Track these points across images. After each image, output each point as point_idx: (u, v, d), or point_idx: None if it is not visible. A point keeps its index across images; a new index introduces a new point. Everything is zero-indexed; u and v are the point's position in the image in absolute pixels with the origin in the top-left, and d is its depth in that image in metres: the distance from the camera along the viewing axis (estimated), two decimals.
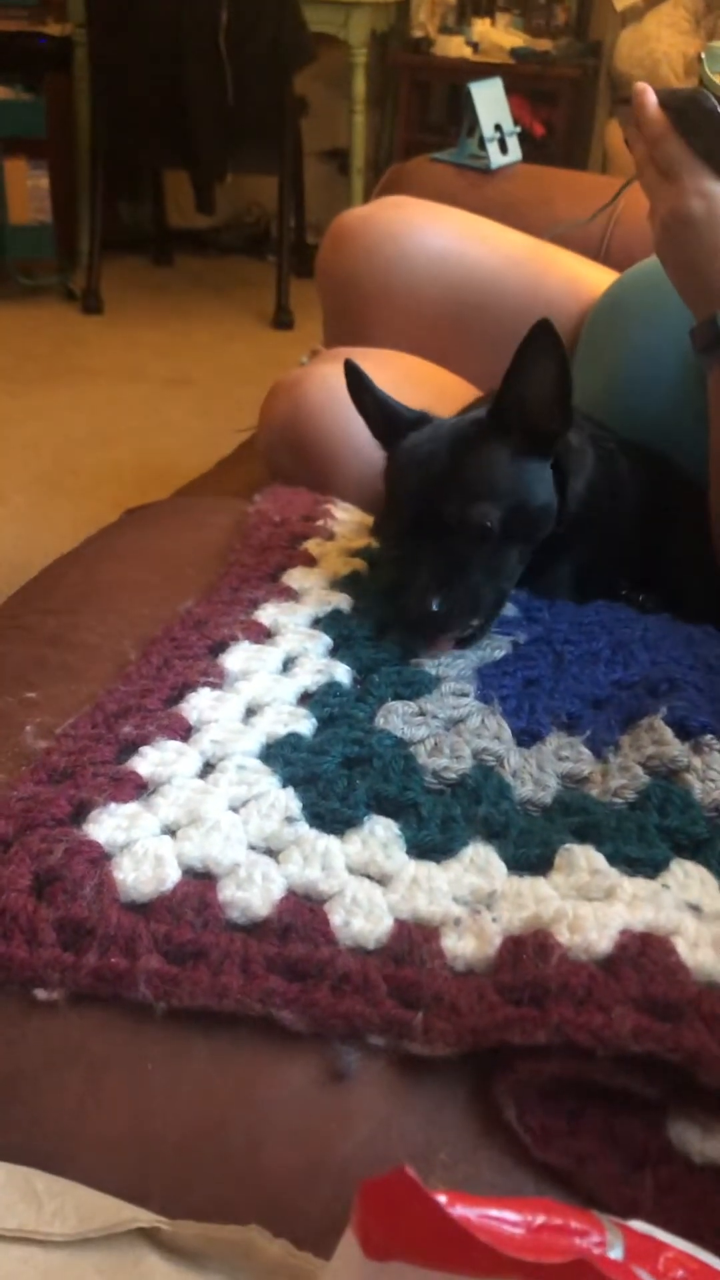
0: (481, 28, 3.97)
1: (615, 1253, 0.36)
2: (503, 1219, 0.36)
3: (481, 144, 1.81)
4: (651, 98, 0.97)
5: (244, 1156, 0.55)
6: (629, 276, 1.29)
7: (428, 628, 0.86)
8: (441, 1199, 0.36)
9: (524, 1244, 0.35)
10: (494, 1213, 0.36)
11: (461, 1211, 0.35)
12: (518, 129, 1.86)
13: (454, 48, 3.91)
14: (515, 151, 1.84)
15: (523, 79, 3.70)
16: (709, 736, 0.75)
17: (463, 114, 1.84)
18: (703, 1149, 0.54)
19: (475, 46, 3.93)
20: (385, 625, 0.91)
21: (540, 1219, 0.37)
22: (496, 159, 1.81)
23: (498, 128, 1.82)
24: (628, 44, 3.59)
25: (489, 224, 1.41)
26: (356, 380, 0.95)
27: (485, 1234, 0.35)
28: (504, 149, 1.83)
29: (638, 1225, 0.39)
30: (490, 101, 1.83)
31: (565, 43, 3.95)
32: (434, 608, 0.84)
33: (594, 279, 1.38)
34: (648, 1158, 0.54)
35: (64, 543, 1.13)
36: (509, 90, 1.89)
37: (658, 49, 3.31)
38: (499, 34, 3.96)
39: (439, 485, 0.88)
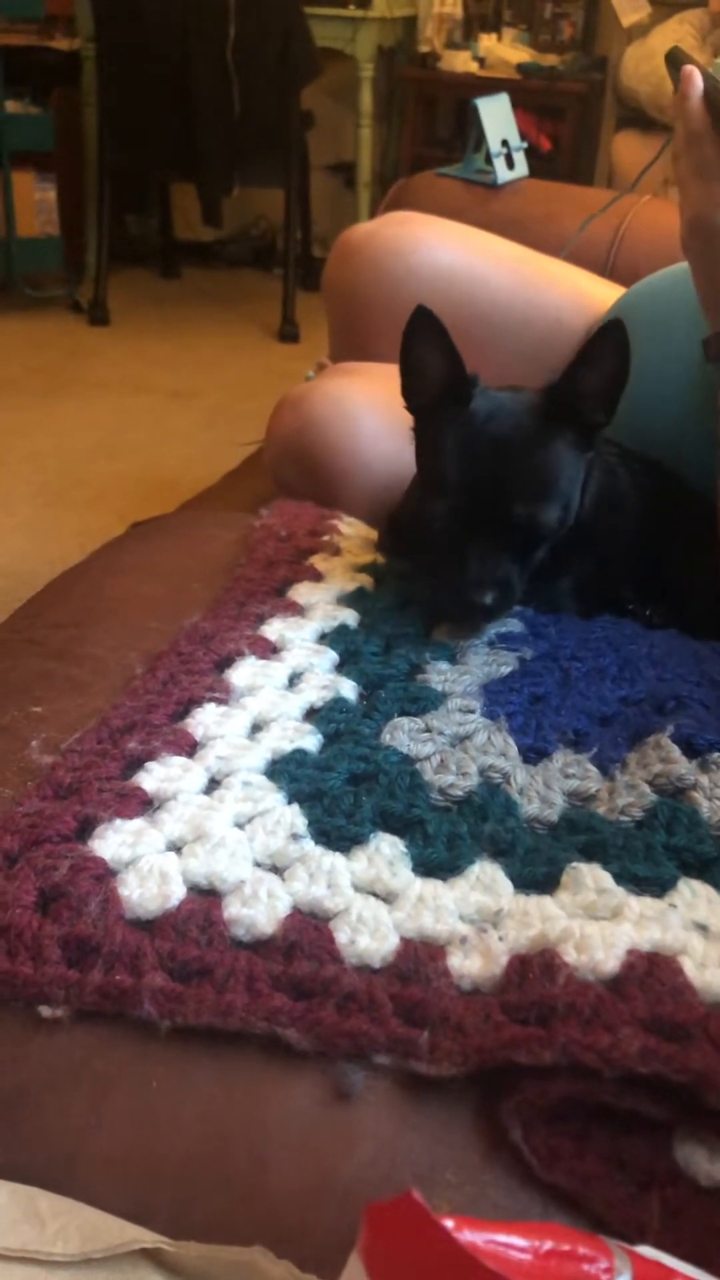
0: (488, 43, 3.98)
1: (623, 1278, 0.36)
2: (510, 1244, 0.36)
3: (488, 159, 1.82)
4: (697, 89, 0.96)
5: (248, 1176, 0.55)
6: (635, 292, 1.30)
7: (475, 619, 0.87)
8: (448, 1223, 0.35)
9: (531, 1270, 0.35)
10: (501, 1238, 0.36)
11: (468, 1236, 0.35)
12: (524, 144, 1.86)
13: (460, 63, 3.92)
14: (521, 167, 1.85)
15: (529, 94, 3.71)
16: (716, 755, 0.75)
17: (469, 129, 1.85)
18: (710, 1171, 0.54)
19: (482, 61, 3.94)
20: (428, 605, 0.92)
21: (548, 1245, 0.36)
22: (503, 174, 1.82)
23: (504, 143, 1.83)
24: (634, 59, 3.61)
25: (495, 239, 1.42)
26: (427, 327, 0.89)
27: (492, 1259, 0.35)
28: (510, 164, 1.84)
29: (646, 1251, 0.39)
30: (497, 117, 1.83)
31: (571, 58, 3.96)
32: (487, 602, 0.86)
33: (600, 294, 1.38)
34: (655, 1179, 0.54)
35: (70, 555, 1.13)
36: (515, 105, 1.90)
37: (663, 64, 3.32)
38: (505, 49, 3.97)
39: (509, 480, 0.87)
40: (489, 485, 0.87)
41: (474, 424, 0.89)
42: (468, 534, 0.87)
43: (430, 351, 0.90)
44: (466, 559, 0.87)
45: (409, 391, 0.94)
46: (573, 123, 3.92)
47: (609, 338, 0.86)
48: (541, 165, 2.73)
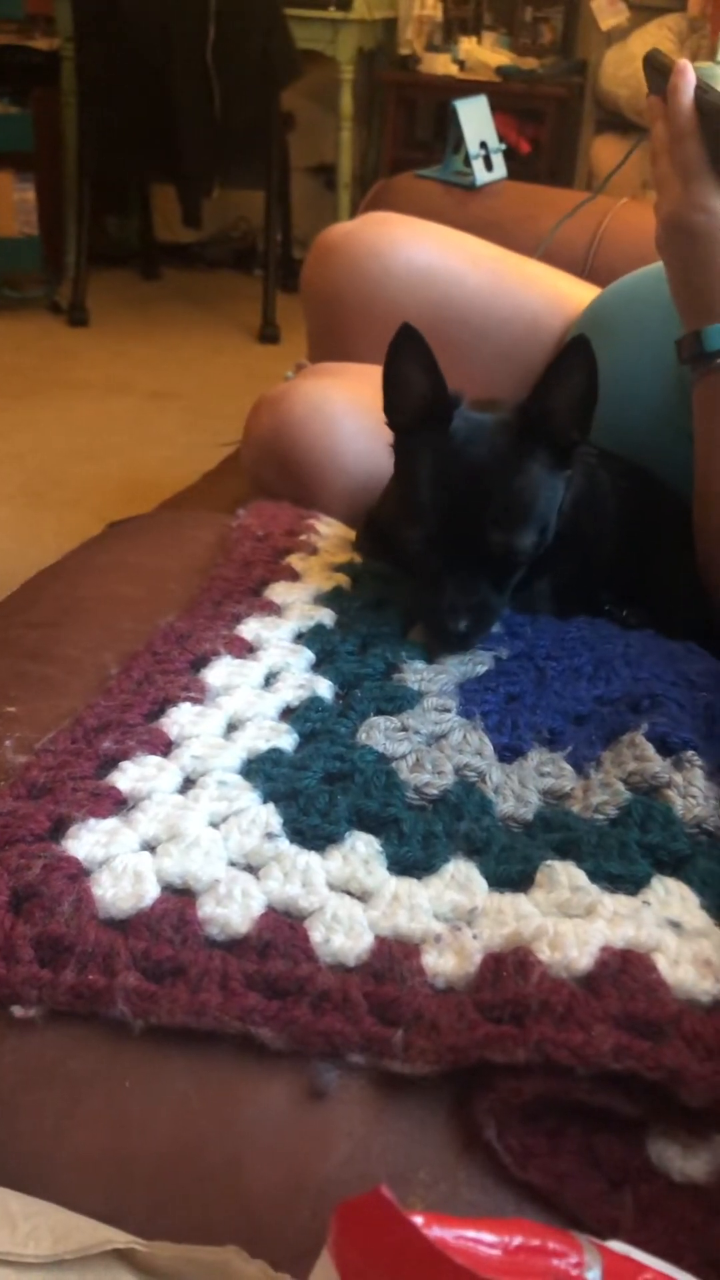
0: (468, 46, 3.99)
1: (593, 1274, 0.36)
2: (480, 1240, 0.36)
3: (467, 161, 1.82)
4: (689, 87, 0.95)
5: (222, 1176, 0.54)
6: (611, 292, 1.30)
7: (451, 645, 0.88)
8: (418, 1220, 0.35)
9: (501, 1265, 0.35)
10: (471, 1234, 0.36)
11: (438, 1233, 0.35)
12: (503, 146, 1.87)
13: (441, 65, 3.93)
14: (500, 169, 1.86)
15: (509, 97, 3.72)
16: (690, 753, 0.75)
17: (448, 131, 1.85)
18: (683, 1167, 0.54)
19: (462, 64, 3.95)
20: (407, 605, 0.94)
21: (518, 1240, 0.36)
22: (481, 176, 1.82)
23: (483, 145, 1.83)
24: (613, 63, 3.62)
25: (472, 240, 1.42)
26: (411, 344, 0.88)
27: (462, 1255, 0.35)
28: (489, 166, 1.84)
29: (616, 1246, 0.39)
30: (475, 119, 1.84)
31: (551, 61, 3.97)
32: (461, 629, 0.86)
33: (577, 295, 1.39)
34: (628, 1176, 0.54)
35: (48, 555, 1.12)
36: (495, 108, 1.90)
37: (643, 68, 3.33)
38: (485, 52, 3.98)
39: (485, 507, 0.86)
40: (465, 513, 0.87)
41: (451, 448, 0.88)
42: (444, 560, 0.88)
43: (413, 369, 0.90)
44: (443, 586, 0.87)
45: (390, 409, 0.93)
46: (552, 126, 3.93)
47: (574, 355, 0.86)
48: (521, 168, 2.73)
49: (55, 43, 3.76)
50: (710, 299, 0.97)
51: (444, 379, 0.90)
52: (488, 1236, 0.36)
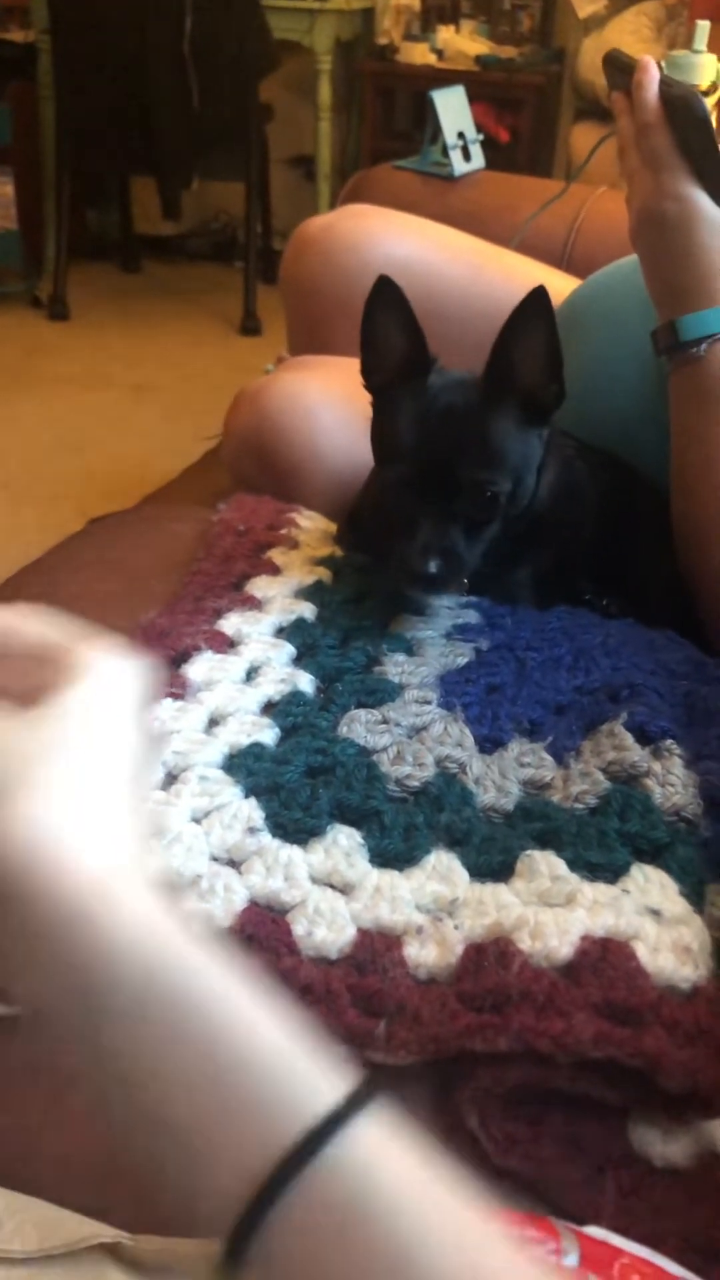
0: (446, 35, 3.98)
1: (570, 1259, 0.36)
2: None
3: (445, 151, 1.82)
4: (653, 81, 0.96)
5: None
6: (589, 284, 1.30)
7: (421, 587, 0.87)
8: None
9: None
10: None
11: None
12: (480, 136, 1.87)
13: (419, 55, 3.91)
14: (478, 159, 1.85)
15: (487, 86, 3.71)
16: (669, 742, 0.76)
17: (426, 121, 1.85)
18: (664, 1152, 0.54)
19: (440, 54, 3.94)
20: (375, 575, 0.93)
21: None
22: (459, 166, 1.82)
23: (460, 135, 1.83)
24: (591, 51, 3.61)
25: (451, 232, 1.42)
26: (389, 298, 0.89)
27: None
28: (467, 156, 1.84)
29: (594, 1231, 0.40)
30: (453, 109, 1.84)
31: (530, 50, 3.96)
32: (431, 570, 0.85)
33: (555, 286, 1.37)
34: (609, 1162, 0.54)
35: (30, 551, 1.12)
36: (474, 97, 1.90)
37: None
38: (464, 41, 3.97)
39: (457, 445, 0.87)
40: (437, 451, 0.87)
41: (428, 396, 0.89)
42: (419, 503, 0.88)
43: (391, 324, 0.90)
44: (416, 527, 0.87)
45: (369, 367, 0.94)
46: (531, 115, 3.92)
47: (529, 307, 0.87)
48: (500, 157, 2.73)
49: (31, 35, 3.73)
50: (684, 289, 0.97)
51: (423, 333, 0.91)
52: None
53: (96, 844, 0.36)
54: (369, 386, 0.94)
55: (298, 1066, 0.36)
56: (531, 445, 0.91)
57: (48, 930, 0.34)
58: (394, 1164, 0.34)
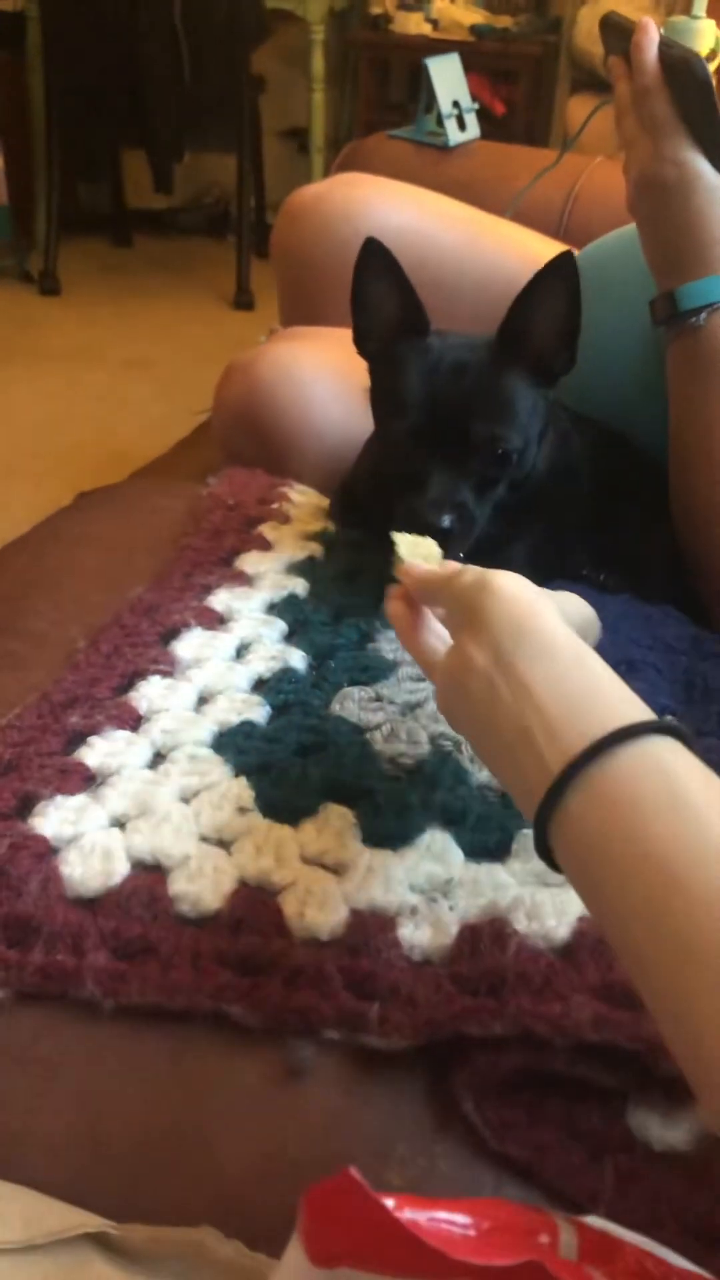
0: (441, 4, 3.92)
1: (569, 1252, 0.35)
2: (453, 1221, 0.35)
3: (439, 121, 1.79)
4: (653, 43, 0.93)
5: (196, 1156, 0.54)
6: (586, 253, 1.28)
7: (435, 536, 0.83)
8: (389, 1202, 0.34)
9: (475, 1247, 0.34)
10: (444, 1215, 0.35)
11: (410, 1215, 0.34)
12: (476, 105, 1.84)
13: (413, 25, 3.86)
14: (473, 128, 1.83)
15: (483, 56, 3.66)
16: (668, 717, 0.74)
17: (421, 91, 1.82)
18: (663, 1136, 0.53)
19: (435, 23, 3.88)
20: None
21: (492, 1220, 0.35)
22: (454, 136, 1.80)
23: (455, 104, 1.80)
24: (588, 20, 3.56)
25: (446, 201, 1.39)
26: (378, 261, 0.87)
27: (435, 1238, 0.34)
28: (462, 126, 1.81)
29: (594, 1222, 0.38)
30: (448, 78, 1.81)
31: (525, 19, 3.91)
32: (445, 523, 0.82)
33: (551, 256, 1.36)
34: (608, 1147, 0.53)
35: (20, 528, 1.10)
36: (469, 68, 1.87)
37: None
38: (458, 10, 3.91)
39: (468, 400, 0.85)
40: (448, 405, 0.85)
41: (430, 355, 0.87)
42: (428, 457, 0.86)
43: (383, 287, 0.88)
44: (426, 482, 0.84)
45: (361, 334, 0.92)
46: (527, 85, 3.88)
47: (554, 273, 0.85)
48: (496, 129, 2.70)
49: (19, 3, 3.68)
50: (683, 257, 0.95)
51: (416, 294, 0.89)
52: (461, 1218, 0.35)
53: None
54: (363, 353, 0.92)
55: (624, 695, 0.51)
56: (538, 407, 0.89)
57: (555, 653, 0.52)
58: (692, 770, 0.45)
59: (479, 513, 0.86)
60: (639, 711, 0.49)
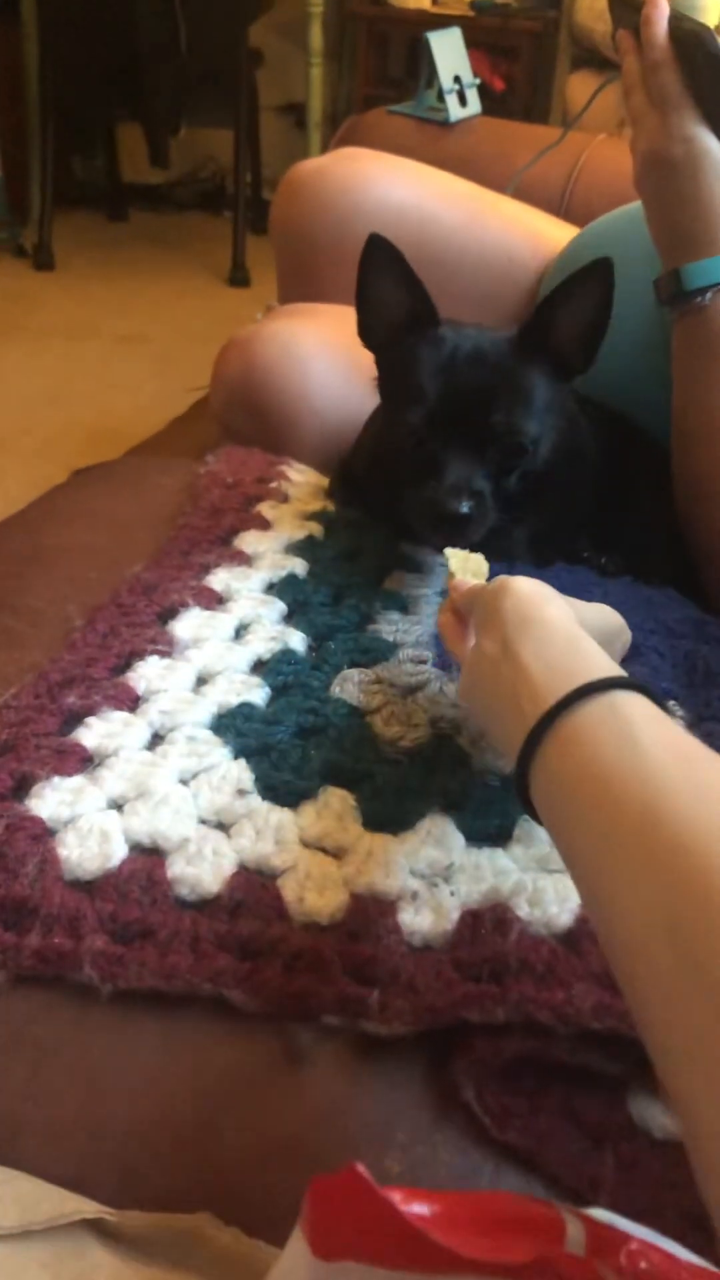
0: None
1: (576, 1247, 0.35)
2: (459, 1216, 0.34)
3: (440, 96, 1.77)
4: (663, 16, 0.92)
5: (194, 1142, 0.53)
6: (588, 231, 1.27)
7: (450, 528, 0.83)
8: (395, 1197, 0.34)
9: (483, 1242, 0.34)
10: (450, 1209, 0.35)
11: (416, 1209, 0.34)
12: (477, 81, 1.81)
13: None
14: (474, 104, 1.81)
15: (482, 32, 3.62)
16: (671, 703, 0.74)
17: (421, 65, 1.80)
18: (665, 1124, 0.53)
19: None
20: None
21: (498, 1214, 0.35)
22: (455, 111, 1.77)
23: (456, 79, 1.78)
24: None
25: (446, 176, 1.38)
26: (383, 256, 0.86)
27: (442, 1233, 0.33)
28: (463, 101, 1.79)
29: (599, 1214, 0.38)
30: (449, 52, 1.78)
31: None
32: (464, 510, 0.81)
33: (554, 234, 1.35)
34: (609, 1135, 0.53)
35: (12, 506, 1.09)
36: (469, 44, 1.85)
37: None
38: None
39: (488, 390, 0.84)
40: (467, 395, 0.84)
41: (447, 345, 0.86)
42: (444, 444, 0.84)
43: (389, 283, 0.87)
44: (443, 468, 0.83)
45: (367, 330, 0.90)
46: (527, 62, 3.84)
47: (591, 277, 0.84)
48: (495, 106, 2.67)
49: None
50: (689, 235, 0.94)
51: (423, 286, 0.87)
52: (467, 1212, 0.34)
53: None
54: (369, 346, 0.91)
55: (608, 666, 0.55)
56: (555, 401, 0.88)
57: (550, 635, 0.57)
58: (650, 719, 0.49)
59: (495, 502, 0.85)
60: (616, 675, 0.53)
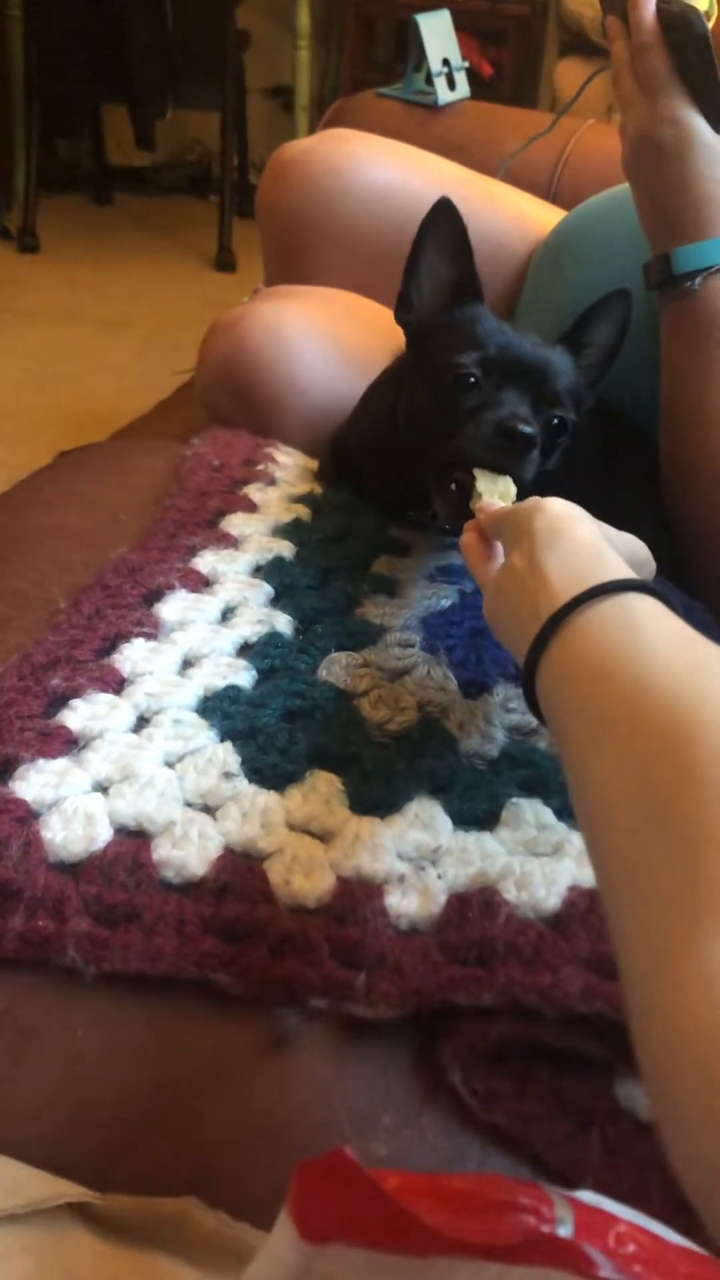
0: None
1: (565, 1229, 0.34)
2: (447, 1198, 0.34)
3: (429, 79, 1.76)
4: (650, 2, 0.92)
5: (180, 1126, 0.53)
6: (576, 215, 1.26)
7: (516, 448, 0.79)
8: (382, 1179, 0.34)
9: (470, 1224, 0.33)
10: (437, 1191, 0.34)
11: (403, 1192, 0.33)
12: (465, 64, 1.80)
13: None
14: (463, 87, 1.80)
15: (470, 16, 3.60)
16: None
17: (410, 47, 1.78)
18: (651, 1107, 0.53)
19: None
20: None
21: (486, 1196, 0.35)
22: (444, 95, 1.76)
23: (445, 62, 1.77)
24: None
25: (435, 159, 1.37)
26: (446, 221, 0.86)
27: (429, 1215, 0.33)
28: (451, 85, 1.78)
29: (586, 1197, 0.38)
30: (438, 34, 1.77)
31: None
32: (529, 430, 0.78)
33: (542, 218, 1.34)
34: (595, 1117, 0.53)
35: None
36: (457, 28, 1.83)
37: None
38: None
39: (547, 360, 0.84)
40: (526, 357, 0.83)
41: (498, 319, 0.87)
42: (499, 386, 0.82)
43: (446, 253, 0.87)
44: (502, 401, 0.81)
45: (406, 302, 0.89)
46: (515, 48, 3.83)
47: (618, 301, 0.89)
48: (483, 92, 2.66)
49: None
50: (679, 219, 0.94)
51: (474, 273, 0.87)
52: (455, 1194, 0.34)
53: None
54: (404, 320, 0.90)
55: (618, 567, 0.56)
56: (578, 406, 0.90)
57: (576, 548, 0.58)
58: (658, 618, 0.50)
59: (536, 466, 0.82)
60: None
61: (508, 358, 0.83)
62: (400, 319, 0.90)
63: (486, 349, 0.83)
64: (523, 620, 0.57)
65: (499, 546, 0.69)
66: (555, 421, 0.84)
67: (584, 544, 0.59)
